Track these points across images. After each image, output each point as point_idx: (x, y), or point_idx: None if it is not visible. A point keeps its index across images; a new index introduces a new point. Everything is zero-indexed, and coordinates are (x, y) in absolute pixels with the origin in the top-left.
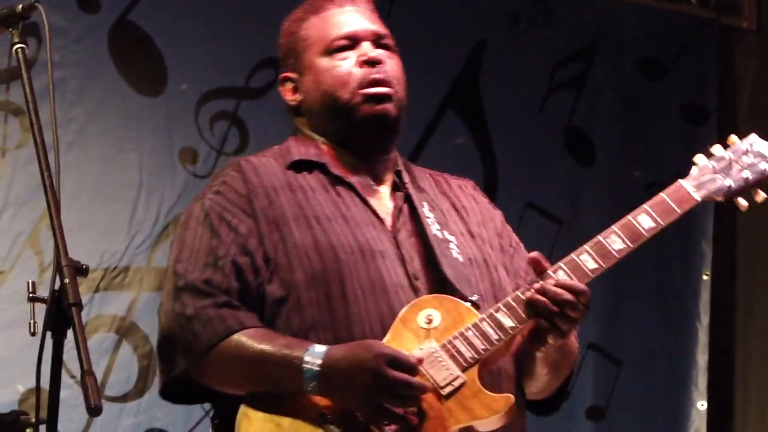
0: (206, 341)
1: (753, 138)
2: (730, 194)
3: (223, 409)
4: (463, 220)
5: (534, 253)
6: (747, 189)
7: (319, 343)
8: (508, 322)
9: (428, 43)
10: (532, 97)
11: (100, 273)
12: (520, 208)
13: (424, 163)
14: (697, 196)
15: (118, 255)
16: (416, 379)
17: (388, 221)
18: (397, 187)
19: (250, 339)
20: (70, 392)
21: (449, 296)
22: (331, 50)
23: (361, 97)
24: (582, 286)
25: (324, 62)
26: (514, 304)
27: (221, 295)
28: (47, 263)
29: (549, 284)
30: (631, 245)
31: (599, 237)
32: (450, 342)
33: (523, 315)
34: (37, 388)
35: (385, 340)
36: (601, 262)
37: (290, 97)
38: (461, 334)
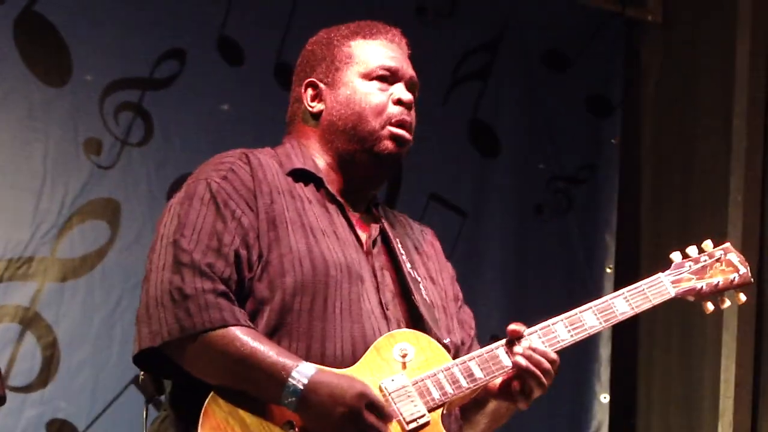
0: (199, 325)
1: (727, 246)
2: (701, 296)
3: (187, 392)
4: (425, 264)
5: (513, 326)
6: (716, 294)
7: (290, 350)
8: (478, 373)
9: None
10: (436, 89)
11: (3, 263)
12: (424, 201)
13: None
14: (673, 292)
15: (22, 245)
16: (388, 429)
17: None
18: (375, 219)
19: (244, 337)
20: None
21: (425, 334)
22: (372, 76)
23: (388, 132)
24: (555, 355)
25: (363, 84)
26: (486, 357)
27: (221, 284)
28: None
29: (534, 350)
30: (604, 324)
31: (576, 311)
32: (422, 380)
33: (494, 370)
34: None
35: (357, 364)
36: (573, 335)
37: (310, 102)
38: (433, 374)
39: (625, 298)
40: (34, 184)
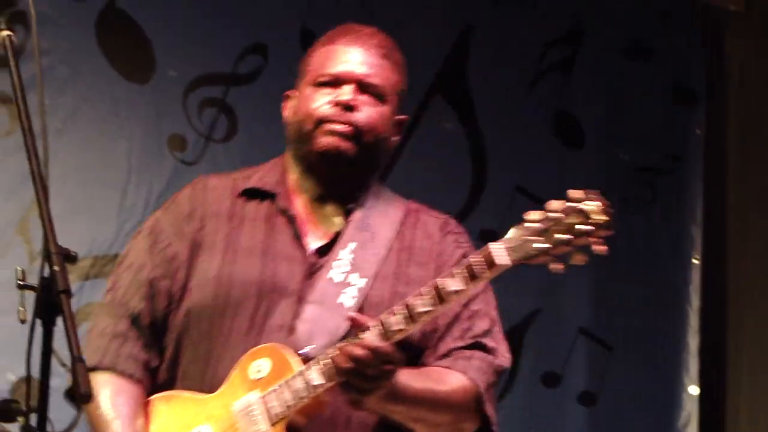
0: (90, 363)
1: (572, 196)
2: (545, 259)
3: None
4: (398, 260)
5: (351, 314)
6: (564, 252)
7: (188, 374)
8: (317, 380)
9: (414, 28)
10: (520, 80)
11: (89, 261)
12: (510, 193)
13: (414, 150)
14: (508, 260)
15: (107, 242)
16: None
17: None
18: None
19: (108, 385)
20: (61, 380)
21: (282, 346)
22: (317, 83)
23: (320, 130)
24: (381, 345)
25: (308, 91)
26: (327, 361)
27: (124, 320)
28: (37, 251)
29: (349, 344)
30: (439, 306)
31: (408, 299)
32: (267, 395)
33: (334, 373)
34: (28, 376)
35: (223, 386)
36: (406, 325)
37: (284, 114)
38: (277, 388)
39: (454, 276)
40: (119, 180)
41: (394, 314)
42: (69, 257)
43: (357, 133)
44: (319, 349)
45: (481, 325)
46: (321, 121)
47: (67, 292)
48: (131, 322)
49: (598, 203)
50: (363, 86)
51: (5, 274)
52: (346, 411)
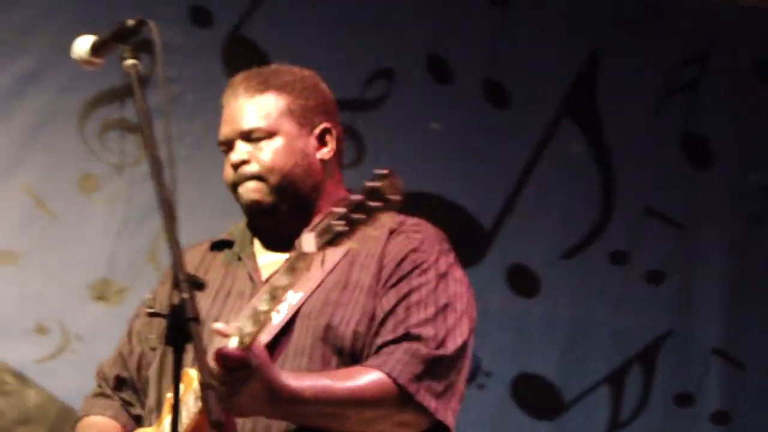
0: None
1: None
2: (347, 240)
3: None
4: (340, 271)
5: (214, 326)
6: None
7: (149, 412)
8: (191, 403)
9: (542, 51)
10: (647, 101)
11: None
12: (639, 214)
13: (543, 172)
14: (313, 247)
15: None
16: None
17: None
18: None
19: (79, 428)
20: None
21: (191, 369)
22: (222, 152)
23: (237, 195)
24: (228, 351)
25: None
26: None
27: (99, 387)
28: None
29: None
30: (273, 303)
31: (253, 300)
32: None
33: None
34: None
35: (160, 417)
36: (253, 327)
37: None
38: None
39: (281, 272)
40: None
41: (247, 318)
42: (198, 284)
43: (263, 181)
44: None
45: (420, 315)
46: (233, 187)
47: (197, 319)
48: (105, 382)
49: (388, 178)
50: (246, 137)
51: (137, 301)
52: (264, 421)
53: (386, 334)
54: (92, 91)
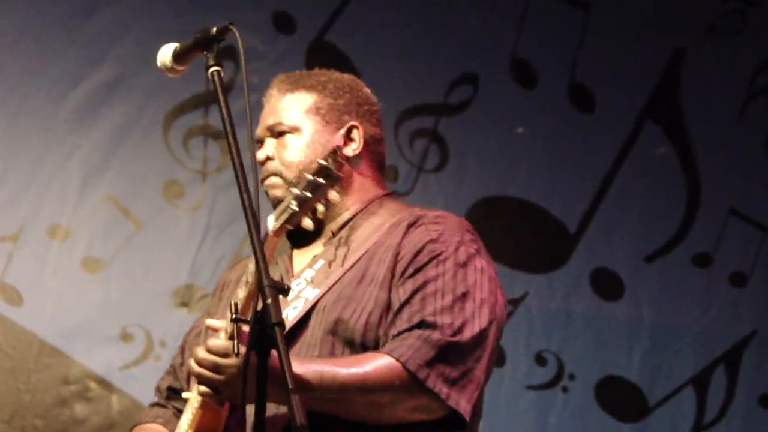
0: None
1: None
2: (302, 217)
3: None
4: (359, 266)
5: (207, 321)
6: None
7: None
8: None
9: (626, 54)
10: (732, 104)
11: None
12: (724, 216)
13: (627, 175)
14: (273, 226)
15: None
16: None
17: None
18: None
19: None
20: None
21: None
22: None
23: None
24: (213, 344)
25: None
26: None
27: (155, 397)
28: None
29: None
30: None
31: (237, 290)
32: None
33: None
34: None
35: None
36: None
37: None
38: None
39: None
40: None
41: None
42: (281, 290)
43: (282, 178)
44: None
45: (436, 305)
46: (262, 183)
47: (281, 325)
48: (158, 391)
49: (333, 155)
50: (272, 132)
51: None
52: (272, 412)
53: (401, 324)
54: (176, 99)
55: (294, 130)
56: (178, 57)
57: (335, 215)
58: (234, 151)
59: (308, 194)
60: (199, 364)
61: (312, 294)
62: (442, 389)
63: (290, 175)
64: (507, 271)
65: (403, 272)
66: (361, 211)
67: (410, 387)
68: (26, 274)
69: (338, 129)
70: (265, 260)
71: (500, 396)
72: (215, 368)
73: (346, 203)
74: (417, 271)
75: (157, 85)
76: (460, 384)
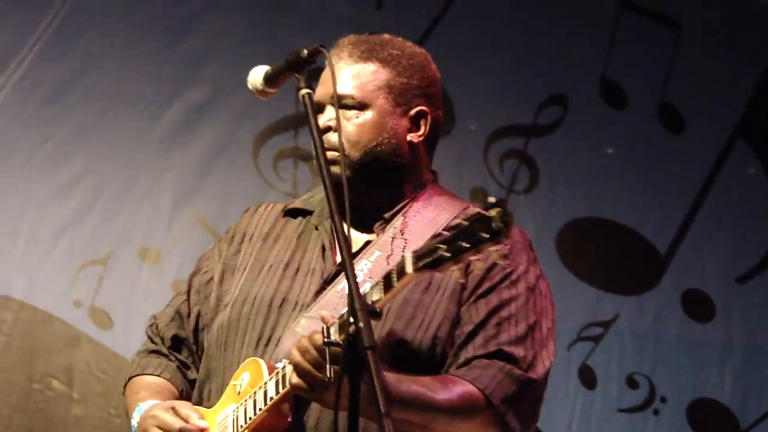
0: (125, 378)
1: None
2: (451, 266)
3: None
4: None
5: (320, 313)
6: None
7: (207, 389)
8: (270, 391)
9: (716, 73)
10: None
11: None
12: None
13: (715, 197)
14: (411, 269)
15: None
16: None
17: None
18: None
19: (133, 384)
20: None
21: (260, 359)
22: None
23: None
24: (316, 335)
25: None
26: (284, 373)
27: (154, 343)
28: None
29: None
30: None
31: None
32: (238, 407)
33: (284, 384)
34: (335, 429)
35: (220, 400)
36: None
37: None
38: (245, 401)
39: (374, 285)
40: None
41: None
42: (374, 313)
43: (340, 155)
44: None
45: (510, 333)
46: (317, 152)
47: (373, 348)
48: (160, 340)
49: (498, 209)
50: (339, 102)
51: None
52: (327, 420)
53: (477, 348)
54: (266, 121)
55: (363, 106)
56: (269, 79)
57: (392, 201)
58: (325, 173)
59: (466, 245)
60: (303, 356)
61: (367, 288)
62: (516, 425)
63: (355, 154)
64: (597, 293)
65: (475, 288)
66: (413, 198)
67: (489, 419)
68: (116, 298)
69: (407, 112)
70: (356, 284)
71: (592, 419)
72: (319, 367)
73: (402, 190)
74: (490, 291)
75: (248, 107)
76: (529, 420)
